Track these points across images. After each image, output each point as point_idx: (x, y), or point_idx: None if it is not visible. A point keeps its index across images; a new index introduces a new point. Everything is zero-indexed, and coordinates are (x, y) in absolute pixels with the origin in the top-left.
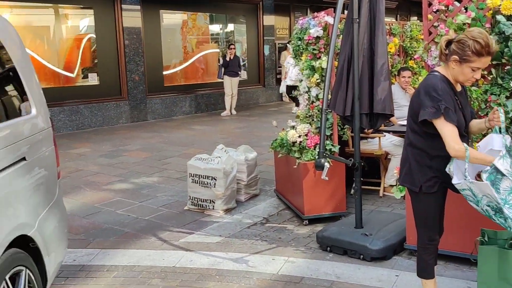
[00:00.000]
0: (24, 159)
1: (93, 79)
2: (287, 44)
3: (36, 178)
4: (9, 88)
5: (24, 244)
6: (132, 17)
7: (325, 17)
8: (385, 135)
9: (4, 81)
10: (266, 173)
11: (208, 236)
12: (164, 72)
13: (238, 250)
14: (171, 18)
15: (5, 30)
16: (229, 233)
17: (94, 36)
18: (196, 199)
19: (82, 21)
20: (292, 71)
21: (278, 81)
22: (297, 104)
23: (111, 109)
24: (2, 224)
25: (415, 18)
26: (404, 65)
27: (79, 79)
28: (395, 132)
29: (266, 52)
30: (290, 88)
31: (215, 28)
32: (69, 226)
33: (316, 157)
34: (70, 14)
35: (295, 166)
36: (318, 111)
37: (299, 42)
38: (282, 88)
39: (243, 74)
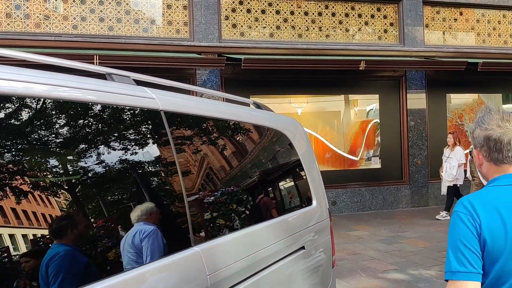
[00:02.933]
0: (303, 248)
1: (375, 163)
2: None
3: (313, 266)
4: (294, 181)
5: None
6: (417, 99)
7: None
8: None
9: (290, 176)
10: None
11: None
12: None
13: None
14: (458, 98)
15: (295, 130)
16: None
17: (378, 121)
18: None
19: (369, 107)
20: (448, 165)
21: None
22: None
23: (392, 193)
24: None
25: None
26: None
27: (362, 162)
28: None
29: None
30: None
31: (510, 107)
32: None
33: None
34: (359, 100)
35: None
36: None
37: None
38: (443, 189)
39: None
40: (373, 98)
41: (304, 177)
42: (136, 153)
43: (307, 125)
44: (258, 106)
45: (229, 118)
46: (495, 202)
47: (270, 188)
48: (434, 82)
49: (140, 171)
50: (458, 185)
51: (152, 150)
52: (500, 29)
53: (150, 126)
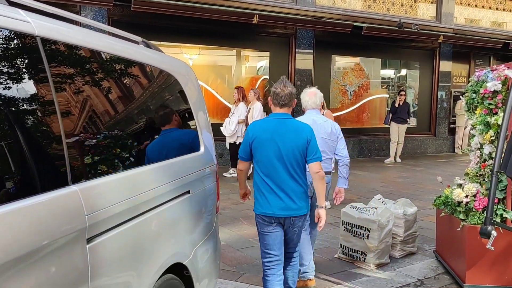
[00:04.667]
0: (188, 192)
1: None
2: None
3: (197, 210)
4: (184, 128)
5: (178, 272)
6: (304, 60)
7: (505, 71)
8: None
9: (180, 121)
10: (426, 230)
11: None
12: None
13: None
14: (342, 61)
15: (187, 75)
16: None
17: (268, 77)
18: (347, 249)
19: (259, 63)
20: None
21: (451, 131)
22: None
23: None
24: (163, 250)
25: None
26: None
27: None
28: None
29: (442, 97)
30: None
31: (387, 72)
32: (222, 257)
33: (482, 223)
34: (250, 56)
35: (459, 229)
36: (490, 171)
37: (474, 95)
38: (227, 145)
39: (412, 121)
40: (264, 55)
41: (194, 123)
42: (8, 85)
43: (198, 77)
44: (148, 45)
45: (118, 54)
46: (262, 124)
47: (158, 132)
48: (321, 43)
49: (14, 106)
50: (238, 143)
51: (27, 83)
52: None
53: (24, 55)
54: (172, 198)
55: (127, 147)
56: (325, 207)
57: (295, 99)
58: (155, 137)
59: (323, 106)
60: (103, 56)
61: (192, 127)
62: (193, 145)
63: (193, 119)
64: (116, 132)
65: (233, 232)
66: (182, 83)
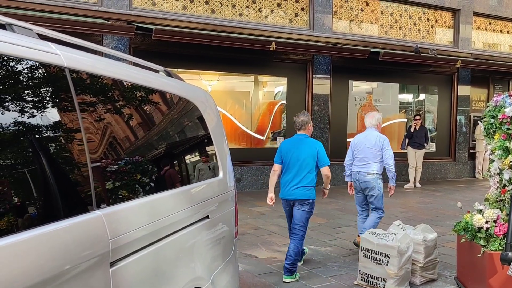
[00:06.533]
0: (207, 217)
1: (280, 142)
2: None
3: (216, 235)
4: (203, 153)
5: None
6: (321, 85)
7: None
8: None
9: (199, 146)
10: (447, 257)
11: None
12: (348, 139)
13: None
14: (359, 86)
15: (206, 102)
16: None
17: (285, 102)
18: (367, 275)
19: (277, 89)
20: None
21: (471, 156)
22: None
23: None
24: (183, 275)
25: None
26: None
27: (268, 141)
28: None
29: (461, 122)
30: None
31: (405, 97)
32: (240, 283)
33: (503, 249)
34: (268, 82)
35: (480, 255)
36: (511, 196)
37: (492, 120)
38: None
39: (431, 146)
40: (281, 80)
41: (213, 148)
42: (35, 113)
43: (216, 102)
44: (169, 74)
45: (140, 83)
46: (288, 141)
47: (178, 158)
48: (339, 68)
49: (40, 133)
50: None
51: (54, 111)
52: (401, 22)
53: (53, 85)
54: (191, 223)
55: (148, 173)
56: (328, 189)
57: (310, 124)
58: (176, 162)
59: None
60: (126, 85)
61: (211, 152)
62: (212, 171)
63: (212, 144)
64: (138, 158)
65: (251, 257)
66: (201, 109)
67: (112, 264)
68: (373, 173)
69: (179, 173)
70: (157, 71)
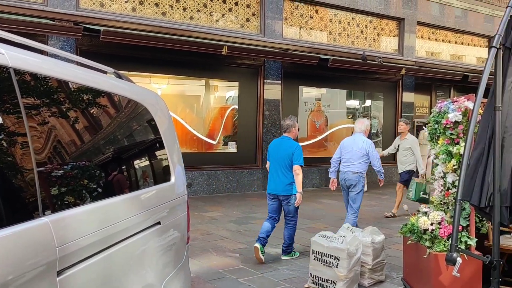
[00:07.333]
0: (159, 223)
1: (232, 147)
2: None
3: (168, 241)
4: (154, 157)
5: None
6: (273, 90)
7: (465, 102)
8: None
9: (150, 151)
10: (394, 258)
11: None
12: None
13: None
14: (309, 92)
15: (157, 104)
16: None
17: (237, 107)
18: (317, 278)
19: (228, 93)
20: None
21: None
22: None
23: (246, 176)
24: (133, 282)
25: None
26: None
27: (219, 146)
28: None
29: None
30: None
31: (353, 103)
32: None
33: (448, 250)
34: (219, 86)
35: (425, 256)
36: (454, 199)
37: (436, 125)
38: None
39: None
40: (233, 85)
41: (164, 152)
42: None
43: (167, 106)
44: (119, 75)
45: (89, 85)
46: (274, 141)
47: (128, 162)
48: (289, 74)
49: None
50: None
51: None
52: (349, 30)
53: None
54: (142, 229)
55: (98, 178)
56: (301, 192)
57: (294, 128)
58: (126, 167)
59: (366, 131)
60: (72, 87)
61: (162, 156)
62: (164, 175)
63: (164, 148)
64: (87, 162)
65: (202, 263)
66: (152, 112)
67: (59, 272)
68: (357, 172)
69: (129, 178)
70: (106, 72)
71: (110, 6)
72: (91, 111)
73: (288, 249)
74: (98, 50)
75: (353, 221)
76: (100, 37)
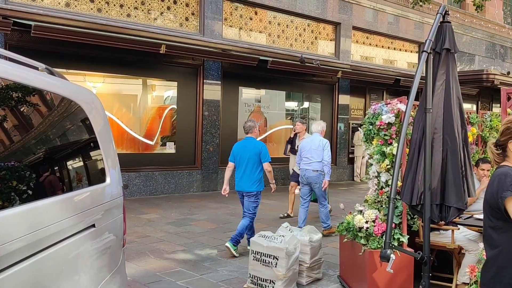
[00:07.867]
0: (93, 226)
1: (170, 148)
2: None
3: (103, 245)
4: (88, 158)
5: None
6: (212, 91)
7: (398, 104)
8: (459, 228)
9: (84, 151)
10: (331, 256)
11: None
12: None
13: None
14: (249, 93)
15: (92, 103)
16: None
17: (176, 107)
18: (256, 278)
19: (167, 93)
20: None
21: (350, 160)
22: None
23: (184, 177)
24: None
25: (498, 105)
26: (484, 155)
27: (157, 147)
28: (470, 226)
29: (341, 129)
30: None
31: (291, 105)
32: None
33: (382, 247)
34: (157, 85)
35: (361, 254)
36: (387, 197)
37: (371, 126)
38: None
39: None
40: (171, 84)
41: (99, 153)
42: None
43: (102, 105)
44: (51, 72)
45: (18, 80)
46: (239, 143)
47: (61, 163)
48: (229, 74)
49: None
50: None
51: None
52: (288, 32)
53: None
54: (75, 232)
55: (26, 179)
56: (274, 184)
57: (255, 128)
58: (58, 168)
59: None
60: (0, 82)
61: (97, 157)
62: (98, 176)
63: (99, 148)
64: (15, 162)
65: (139, 266)
66: (87, 111)
67: None
68: (317, 170)
69: (61, 179)
70: (36, 68)
71: (42, 0)
72: (21, 109)
73: (236, 237)
74: (30, 46)
75: (324, 214)
76: (31, 32)
